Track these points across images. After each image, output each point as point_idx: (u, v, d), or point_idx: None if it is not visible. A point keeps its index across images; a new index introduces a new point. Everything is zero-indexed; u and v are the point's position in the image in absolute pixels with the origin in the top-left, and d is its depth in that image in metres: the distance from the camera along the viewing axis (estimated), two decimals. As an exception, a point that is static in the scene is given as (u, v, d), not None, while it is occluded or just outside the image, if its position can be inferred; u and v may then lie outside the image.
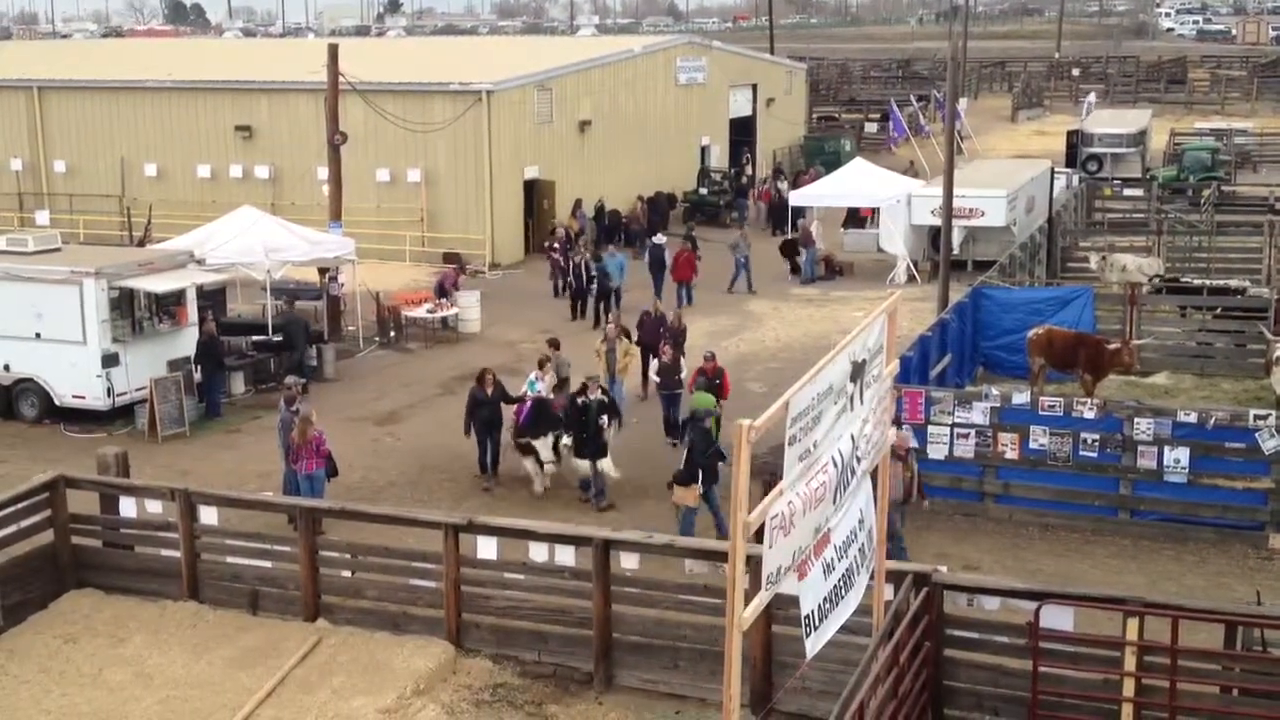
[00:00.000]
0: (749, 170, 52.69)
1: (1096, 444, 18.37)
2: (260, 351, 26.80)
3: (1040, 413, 18.74)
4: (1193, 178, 48.89)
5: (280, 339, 26.73)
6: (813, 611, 9.60)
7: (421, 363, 28.81)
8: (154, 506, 15.99)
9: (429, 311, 30.60)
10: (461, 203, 39.74)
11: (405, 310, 30.69)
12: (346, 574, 15.29)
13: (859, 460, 10.26)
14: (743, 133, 55.66)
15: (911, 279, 35.89)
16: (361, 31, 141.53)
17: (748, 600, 8.65)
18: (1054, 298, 26.75)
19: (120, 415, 23.80)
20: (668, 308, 28.19)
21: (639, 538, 14.24)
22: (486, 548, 14.47)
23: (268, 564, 15.53)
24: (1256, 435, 17.63)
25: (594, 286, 32.03)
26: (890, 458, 13.56)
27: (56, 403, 23.83)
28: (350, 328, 30.42)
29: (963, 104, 62.97)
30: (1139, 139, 55.65)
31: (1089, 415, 18.46)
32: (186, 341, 24.60)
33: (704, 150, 52.09)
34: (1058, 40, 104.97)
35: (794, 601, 9.74)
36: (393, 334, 30.37)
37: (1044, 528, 18.57)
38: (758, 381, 25.87)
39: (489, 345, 29.77)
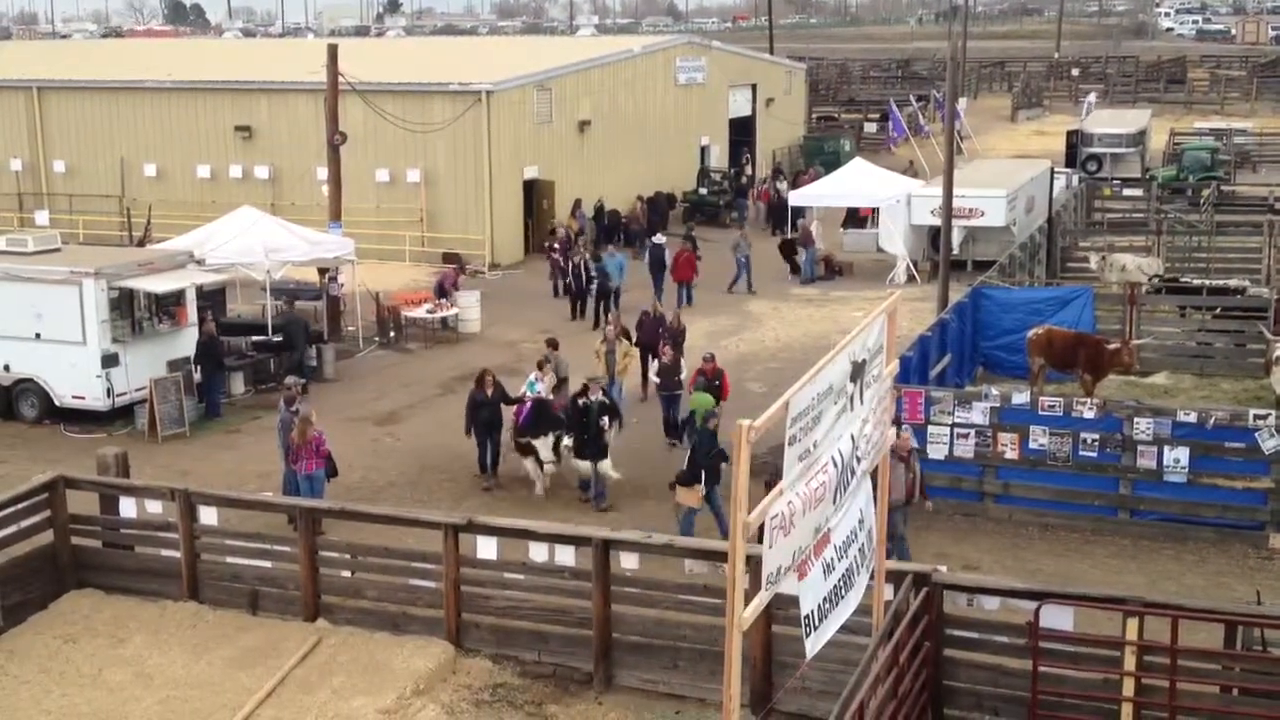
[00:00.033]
0: (749, 170, 52.65)
1: (1096, 444, 18.37)
2: (260, 352, 26.79)
3: (1040, 413, 18.74)
4: (1192, 178, 48.85)
5: (280, 339, 26.72)
6: (813, 611, 9.60)
7: (421, 363, 28.80)
8: (154, 507, 15.99)
9: (429, 312, 30.58)
10: (461, 203, 39.73)
11: (405, 310, 30.67)
12: (346, 574, 15.29)
13: (859, 460, 10.27)
14: (742, 133, 55.64)
15: (911, 279, 35.87)
16: (361, 32, 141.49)
17: (748, 600, 8.64)
18: (1054, 298, 26.74)
19: (120, 415, 23.79)
20: (667, 308, 28.21)
21: (639, 538, 14.23)
22: (486, 548, 14.47)
23: (268, 564, 15.54)
24: (1256, 435, 17.63)
25: (594, 287, 31.99)
26: (892, 459, 13.55)
27: (56, 403, 23.82)
28: (350, 328, 30.40)
29: (962, 104, 63.00)
30: (1138, 139, 55.63)
31: (1089, 415, 18.46)
32: (186, 342, 24.58)
33: (703, 150, 52.06)
34: (1057, 40, 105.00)
35: (794, 601, 9.74)
36: (392, 334, 30.35)
37: (1044, 527, 18.57)
38: (758, 381, 25.86)
39: (489, 345, 29.76)
